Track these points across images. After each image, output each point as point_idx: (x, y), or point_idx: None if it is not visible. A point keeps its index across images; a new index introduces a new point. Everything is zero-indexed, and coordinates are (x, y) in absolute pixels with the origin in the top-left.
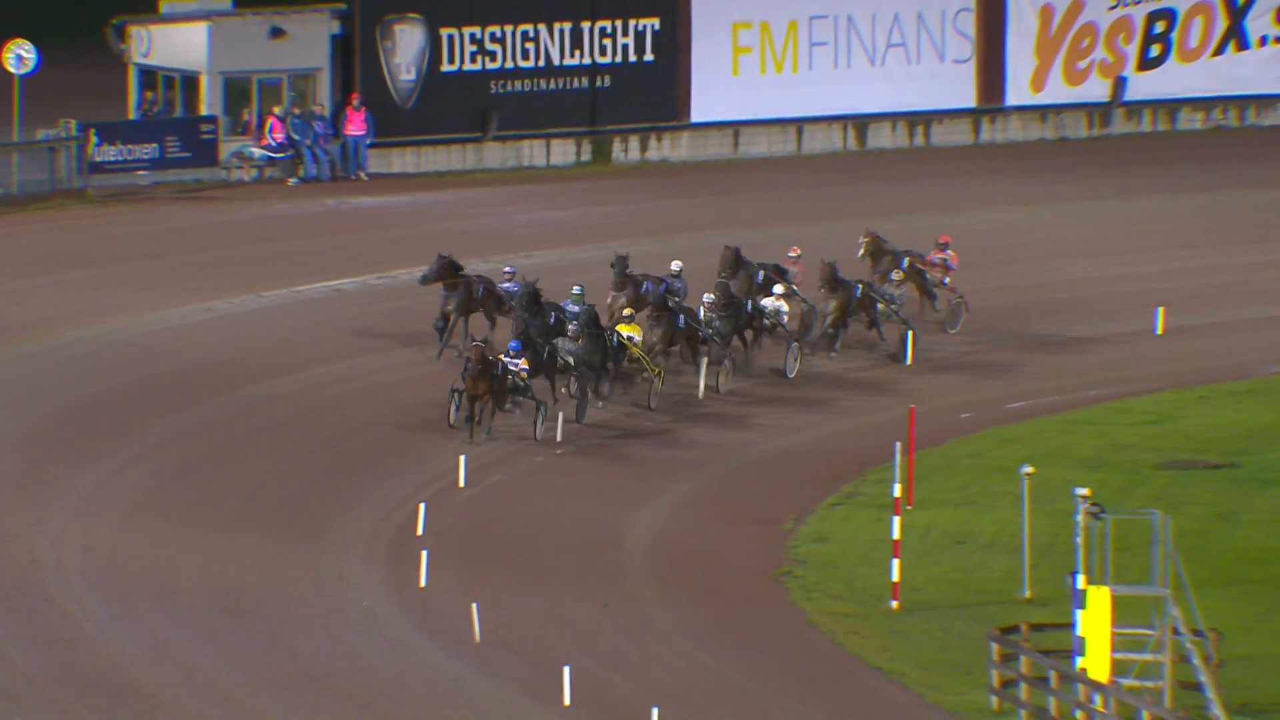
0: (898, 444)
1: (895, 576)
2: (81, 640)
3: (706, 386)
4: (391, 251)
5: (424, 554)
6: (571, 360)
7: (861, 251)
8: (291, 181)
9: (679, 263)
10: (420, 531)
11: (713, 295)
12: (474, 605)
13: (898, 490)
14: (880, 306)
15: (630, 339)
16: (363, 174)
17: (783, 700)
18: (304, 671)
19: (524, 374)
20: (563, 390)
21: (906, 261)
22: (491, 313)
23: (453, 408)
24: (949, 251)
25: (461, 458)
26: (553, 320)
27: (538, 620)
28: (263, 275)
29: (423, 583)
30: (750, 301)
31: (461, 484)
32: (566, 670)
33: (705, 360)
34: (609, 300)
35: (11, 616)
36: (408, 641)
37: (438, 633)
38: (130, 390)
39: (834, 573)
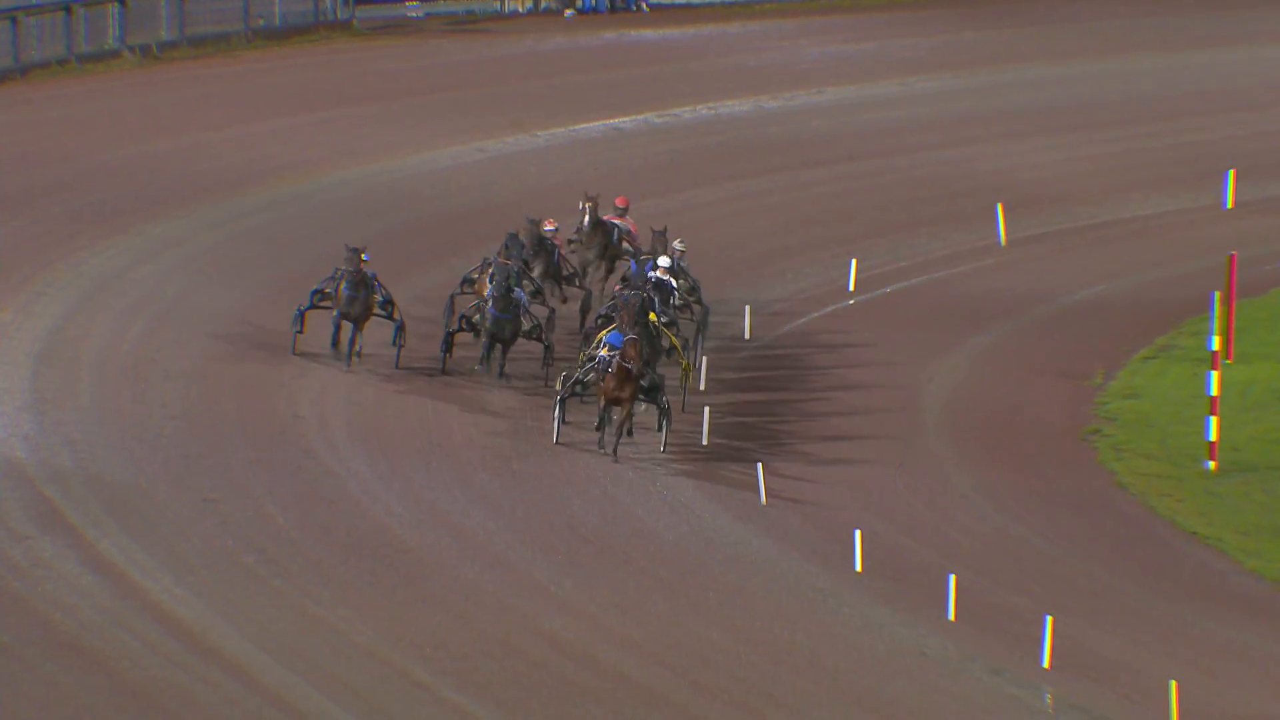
0: (1216, 293)
1: (1212, 435)
2: (344, 499)
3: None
4: (674, 88)
5: (705, 410)
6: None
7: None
8: (568, 14)
9: (680, 243)
10: (701, 387)
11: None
12: (759, 465)
13: (1216, 343)
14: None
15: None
16: (644, 5)
17: (1089, 567)
18: (579, 534)
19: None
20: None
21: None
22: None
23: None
24: (627, 218)
25: (746, 307)
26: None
27: (827, 482)
28: (537, 113)
29: (704, 441)
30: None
31: (746, 335)
32: (857, 534)
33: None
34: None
35: (272, 473)
36: (688, 504)
37: (720, 495)
38: (395, 236)
39: (1146, 431)
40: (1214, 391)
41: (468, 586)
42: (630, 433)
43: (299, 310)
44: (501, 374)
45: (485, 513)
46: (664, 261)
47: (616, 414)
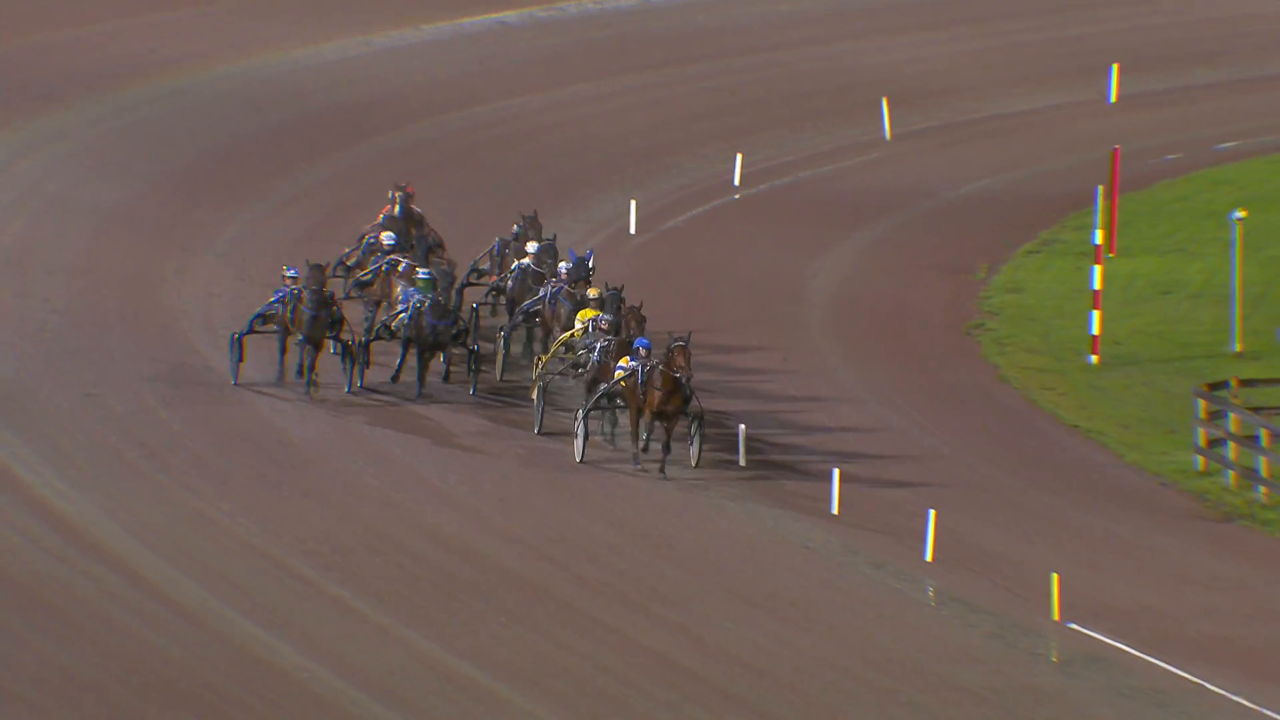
0: (1099, 187)
1: (1095, 329)
2: (227, 394)
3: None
4: None
5: (741, 430)
6: None
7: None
8: None
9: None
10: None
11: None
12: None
13: (1099, 237)
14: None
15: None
16: None
17: (971, 460)
18: (463, 430)
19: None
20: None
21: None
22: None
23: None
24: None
25: (633, 202)
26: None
27: (711, 380)
28: (422, 7)
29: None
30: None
31: (632, 230)
32: (741, 430)
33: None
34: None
35: (154, 367)
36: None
37: None
38: (280, 131)
39: (1029, 325)
40: (1097, 286)
41: (350, 481)
42: (667, 449)
43: (237, 335)
44: (420, 394)
45: (368, 407)
46: (530, 248)
47: (659, 427)
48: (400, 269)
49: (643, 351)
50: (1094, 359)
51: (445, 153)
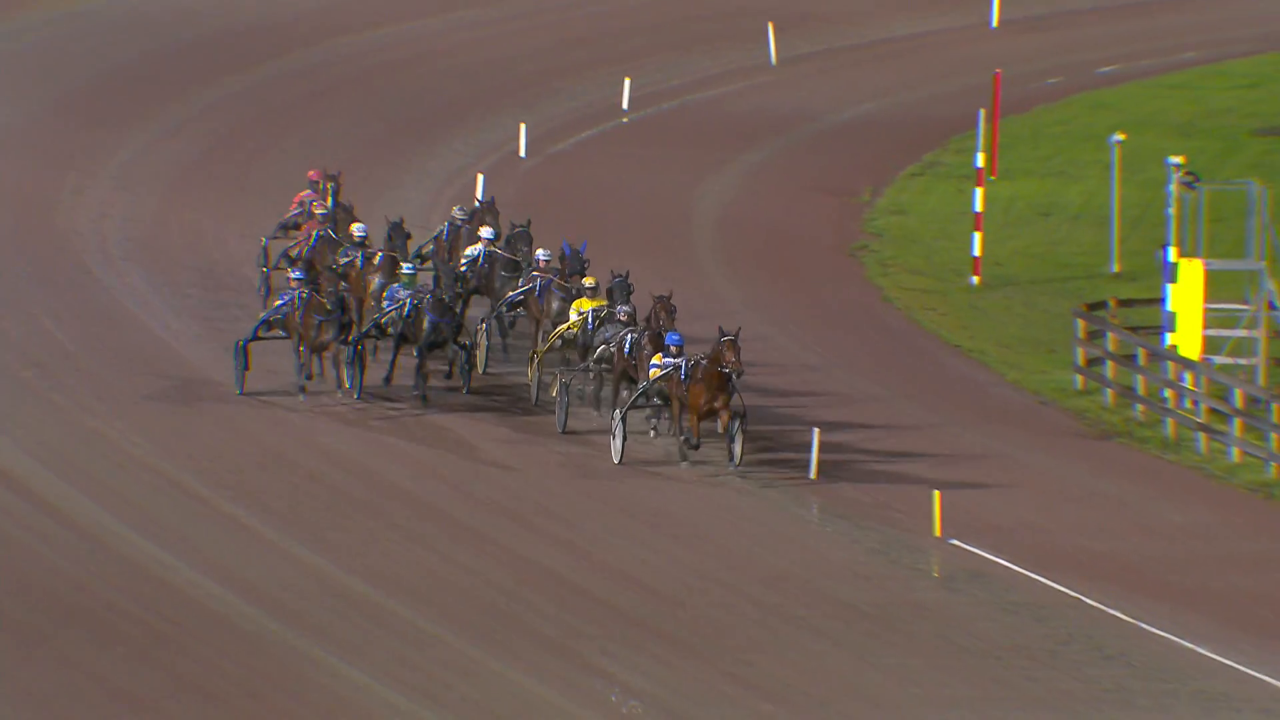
0: (981, 111)
1: (976, 250)
2: (121, 314)
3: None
4: None
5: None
6: None
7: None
8: None
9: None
10: (481, 184)
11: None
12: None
13: (980, 160)
14: None
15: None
16: None
17: (856, 379)
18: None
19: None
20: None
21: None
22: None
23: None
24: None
25: (522, 125)
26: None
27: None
28: None
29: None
30: None
31: (522, 154)
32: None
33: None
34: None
35: (48, 288)
36: (467, 323)
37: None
38: (173, 54)
39: (912, 247)
40: (978, 208)
41: (243, 400)
42: (733, 438)
43: (242, 343)
44: (425, 398)
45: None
46: (486, 233)
47: (702, 424)
48: (376, 261)
49: (674, 348)
50: (975, 280)
51: (337, 77)
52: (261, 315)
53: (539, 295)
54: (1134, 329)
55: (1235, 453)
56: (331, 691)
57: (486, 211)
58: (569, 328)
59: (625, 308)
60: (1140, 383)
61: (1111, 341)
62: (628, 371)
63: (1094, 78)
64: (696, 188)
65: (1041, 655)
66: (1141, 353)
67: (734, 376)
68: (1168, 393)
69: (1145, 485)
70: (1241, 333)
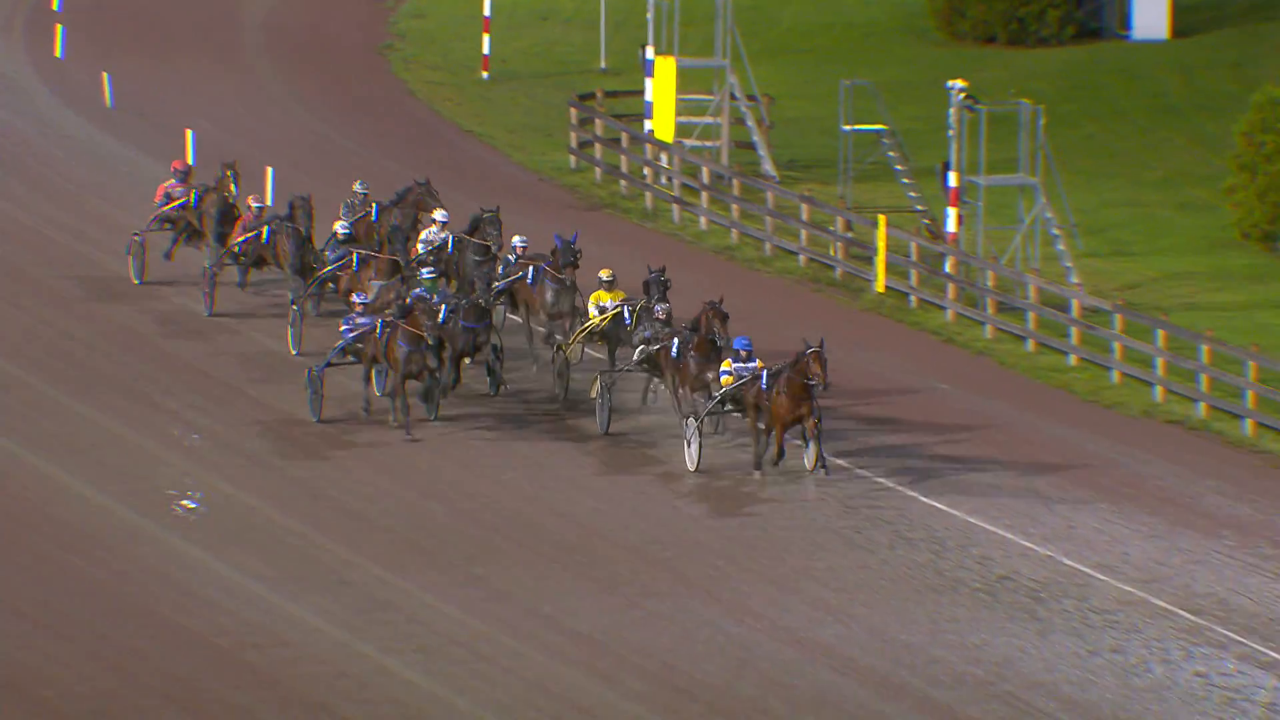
0: None
1: (486, 49)
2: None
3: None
4: None
5: (60, 29)
6: None
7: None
8: None
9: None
10: (56, 7)
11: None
12: (105, 74)
13: None
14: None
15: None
16: None
17: (387, 163)
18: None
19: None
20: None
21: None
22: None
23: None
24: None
25: None
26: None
27: (166, 89)
28: None
29: (59, 54)
30: None
31: None
32: (190, 133)
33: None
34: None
35: None
36: (44, 110)
37: (73, 100)
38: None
39: (431, 46)
40: (486, 12)
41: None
42: (824, 467)
43: (315, 370)
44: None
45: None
46: (440, 216)
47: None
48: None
49: (744, 352)
50: (485, 75)
51: None
52: (337, 344)
53: (532, 283)
54: (619, 116)
55: (704, 221)
56: None
57: (427, 194)
58: (600, 323)
59: (664, 305)
60: (624, 162)
61: (599, 127)
62: (676, 375)
63: None
64: None
65: None
66: (625, 137)
67: (818, 389)
68: (647, 171)
69: (628, 248)
70: (709, 120)
